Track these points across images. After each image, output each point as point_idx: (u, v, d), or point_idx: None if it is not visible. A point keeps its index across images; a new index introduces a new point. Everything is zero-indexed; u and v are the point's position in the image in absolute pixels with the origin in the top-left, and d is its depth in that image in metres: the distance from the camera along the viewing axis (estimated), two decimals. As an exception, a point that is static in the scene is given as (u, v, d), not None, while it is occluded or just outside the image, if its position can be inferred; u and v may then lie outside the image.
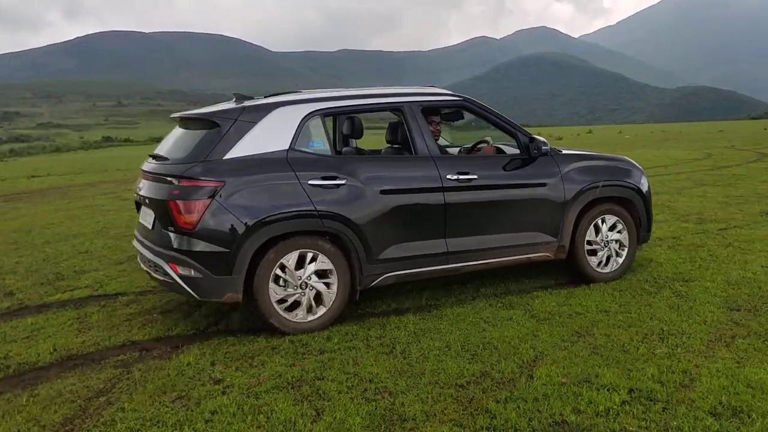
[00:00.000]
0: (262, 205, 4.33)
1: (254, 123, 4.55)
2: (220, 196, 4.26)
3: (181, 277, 4.33)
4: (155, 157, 4.86)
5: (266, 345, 4.28)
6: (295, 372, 3.79)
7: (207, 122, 4.63)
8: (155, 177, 4.62)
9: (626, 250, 5.72)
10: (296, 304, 4.52)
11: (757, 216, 8.62)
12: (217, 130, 4.50)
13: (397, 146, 5.27)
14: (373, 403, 3.33)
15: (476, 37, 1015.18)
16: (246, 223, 4.26)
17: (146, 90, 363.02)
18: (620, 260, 5.70)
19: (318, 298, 4.58)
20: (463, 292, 5.39)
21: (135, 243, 5.14)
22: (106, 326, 4.88)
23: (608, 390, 3.37)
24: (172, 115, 5.12)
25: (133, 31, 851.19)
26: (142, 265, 4.98)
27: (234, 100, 4.90)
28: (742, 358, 3.75)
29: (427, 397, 3.38)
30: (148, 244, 4.69)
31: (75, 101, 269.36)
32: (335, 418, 3.19)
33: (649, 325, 4.36)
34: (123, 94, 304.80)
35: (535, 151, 5.25)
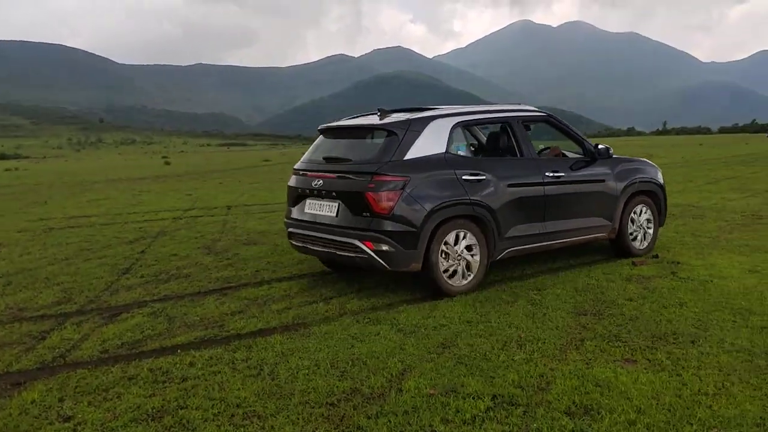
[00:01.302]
0: (437, 194, 5.53)
1: (420, 132, 5.73)
2: (408, 188, 5.42)
3: (375, 252, 5.42)
4: (328, 159, 6.11)
5: (122, 375, 4.00)
6: (155, 402, 3.57)
7: (385, 131, 5.77)
8: (341, 175, 5.76)
9: (652, 231, 7.34)
10: (454, 272, 5.69)
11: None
12: (394, 137, 5.66)
13: (499, 151, 6.53)
14: (242, 429, 3.21)
15: (334, 55, 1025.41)
16: (427, 208, 5.42)
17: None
18: (649, 239, 7.30)
19: (468, 267, 5.77)
20: (330, 310, 5.36)
21: (296, 230, 6.22)
22: (-68, 365, 4.34)
23: (473, 398, 3.48)
24: (324, 126, 6.51)
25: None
26: (310, 246, 6.07)
27: (378, 114, 6.10)
28: (591, 359, 4.03)
29: (298, 418, 3.31)
30: (332, 228, 5.72)
31: None
32: (201, 448, 3.03)
33: (508, 333, 4.58)
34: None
35: (598, 156, 6.83)
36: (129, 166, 45.48)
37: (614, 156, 7.02)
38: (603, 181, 6.83)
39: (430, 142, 5.73)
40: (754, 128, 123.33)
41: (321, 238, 5.87)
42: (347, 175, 5.69)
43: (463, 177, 5.70)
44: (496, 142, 6.59)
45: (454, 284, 5.68)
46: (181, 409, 3.48)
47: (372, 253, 5.42)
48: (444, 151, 5.78)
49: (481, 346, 4.33)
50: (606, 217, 6.84)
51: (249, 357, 4.27)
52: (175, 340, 4.71)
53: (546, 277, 6.27)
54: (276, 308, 5.45)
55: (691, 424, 3.12)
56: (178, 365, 4.15)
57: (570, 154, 7.04)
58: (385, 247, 5.36)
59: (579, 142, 6.93)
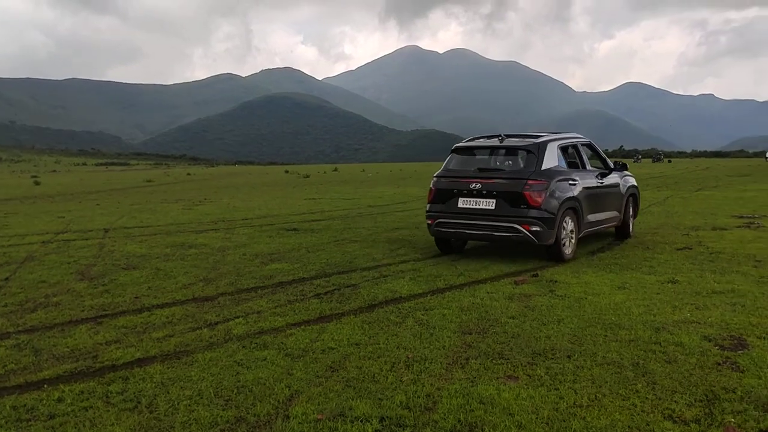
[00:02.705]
0: (562, 193, 8.37)
1: (544, 151, 8.57)
2: (549, 188, 8.19)
3: (530, 232, 8.06)
4: (482, 170, 8.87)
5: (-20, 415, 3.65)
6: (18, 443, 3.27)
7: (526, 151, 8.66)
8: (498, 180, 8.45)
9: (632, 221, 10.83)
10: (566, 245, 8.49)
11: (485, 246, 9.69)
12: (533, 155, 8.50)
13: (569, 164, 9.29)
14: (116, 468, 3.00)
15: (222, 74, 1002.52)
16: (559, 202, 8.25)
17: None
18: (631, 227, 10.76)
19: (570, 241, 8.59)
20: (215, 336, 5.17)
21: (447, 219, 8.68)
22: None
23: (362, 421, 3.46)
24: (459, 145, 9.38)
25: None
26: (464, 230, 8.60)
27: (499, 138, 8.97)
28: (475, 377, 4.12)
29: (178, 453, 3.14)
30: (491, 216, 8.32)
31: None
32: (69, 491, 2.80)
33: (396, 354, 4.60)
34: None
35: (614, 169, 10.18)
36: (-5, 186, 42.19)
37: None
38: (618, 185, 10.15)
39: (551, 158, 8.59)
40: (622, 153, 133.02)
41: (477, 224, 8.47)
42: (504, 180, 8.43)
43: (569, 182, 8.63)
44: (566, 158, 9.34)
45: (565, 253, 8.45)
46: (47, 449, 3.21)
47: (527, 233, 8.10)
48: (557, 164, 8.67)
49: (370, 368, 4.33)
50: (618, 210, 10.12)
51: (125, 389, 4.02)
52: (42, 374, 4.36)
53: (432, 297, 6.38)
54: (156, 336, 5.19)
55: (569, 437, 3.25)
56: (44, 401, 3.84)
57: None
58: (536, 228, 8.06)
59: (603, 160, 10.18)
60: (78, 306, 6.29)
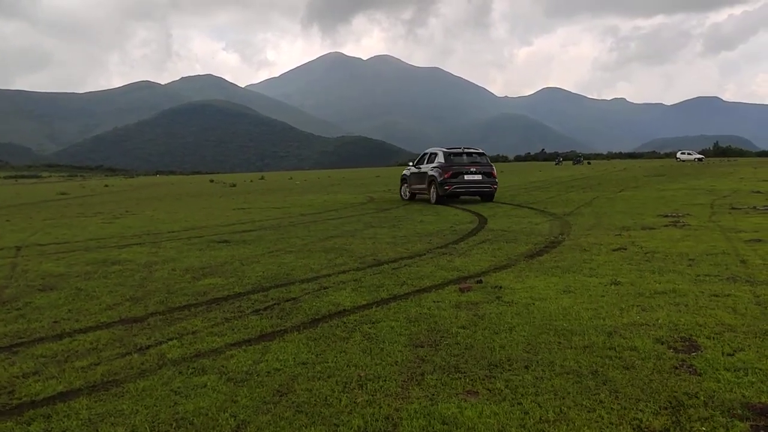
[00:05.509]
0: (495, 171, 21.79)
1: (487, 155, 21.80)
2: (495, 170, 21.16)
3: (494, 188, 20.62)
4: (471, 162, 20.52)
5: None
6: None
7: (482, 155, 21.22)
8: (481, 166, 20.44)
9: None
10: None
11: (422, 253, 9.53)
12: (486, 156, 21.43)
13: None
14: None
15: (139, 81, 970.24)
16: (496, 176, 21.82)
17: None
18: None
19: None
20: (147, 361, 4.75)
21: (458, 185, 19.79)
22: None
23: (318, 452, 3.17)
24: (450, 151, 20.89)
25: None
26: (468, 190, 20.23)
27: (461, 149, 21.25)
28: (434, 394, 3.90)
29: (113, 504, 2.77)
30: (479, 183, 20.14)
31: None
32: None
33: (347, 373, 4.33)
34: None
35: (489, 161, 21.83)
36: None
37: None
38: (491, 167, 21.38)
39: (489, 159, 21.45)
40: (544, 156, 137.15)
41: (475, 186, 20.04)
42: (483, 167, 20.31)
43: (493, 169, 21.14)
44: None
45: None
46: None
47: (493, 189, 20.38)
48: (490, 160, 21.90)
49: (321, 389, 4.04)
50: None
51: (48, 429, 3.59)
52: (-51, 416, 3.85)
53: (378, 308, 6.12)
54: (80, 365, 4.72)
55: (541, 456, 3.07)
56: (-49, 450, 3.37)
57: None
58: (495, 186, 20.55)
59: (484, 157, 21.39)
60: (-11, 334, 5.71)
